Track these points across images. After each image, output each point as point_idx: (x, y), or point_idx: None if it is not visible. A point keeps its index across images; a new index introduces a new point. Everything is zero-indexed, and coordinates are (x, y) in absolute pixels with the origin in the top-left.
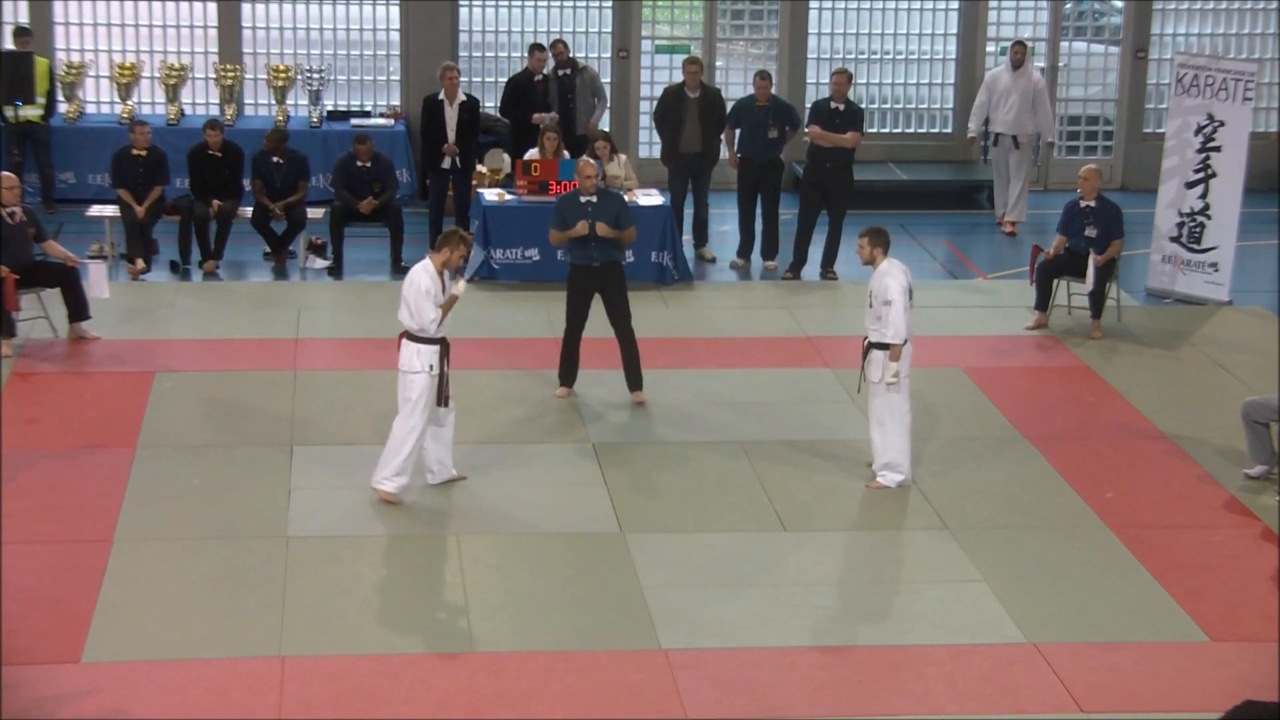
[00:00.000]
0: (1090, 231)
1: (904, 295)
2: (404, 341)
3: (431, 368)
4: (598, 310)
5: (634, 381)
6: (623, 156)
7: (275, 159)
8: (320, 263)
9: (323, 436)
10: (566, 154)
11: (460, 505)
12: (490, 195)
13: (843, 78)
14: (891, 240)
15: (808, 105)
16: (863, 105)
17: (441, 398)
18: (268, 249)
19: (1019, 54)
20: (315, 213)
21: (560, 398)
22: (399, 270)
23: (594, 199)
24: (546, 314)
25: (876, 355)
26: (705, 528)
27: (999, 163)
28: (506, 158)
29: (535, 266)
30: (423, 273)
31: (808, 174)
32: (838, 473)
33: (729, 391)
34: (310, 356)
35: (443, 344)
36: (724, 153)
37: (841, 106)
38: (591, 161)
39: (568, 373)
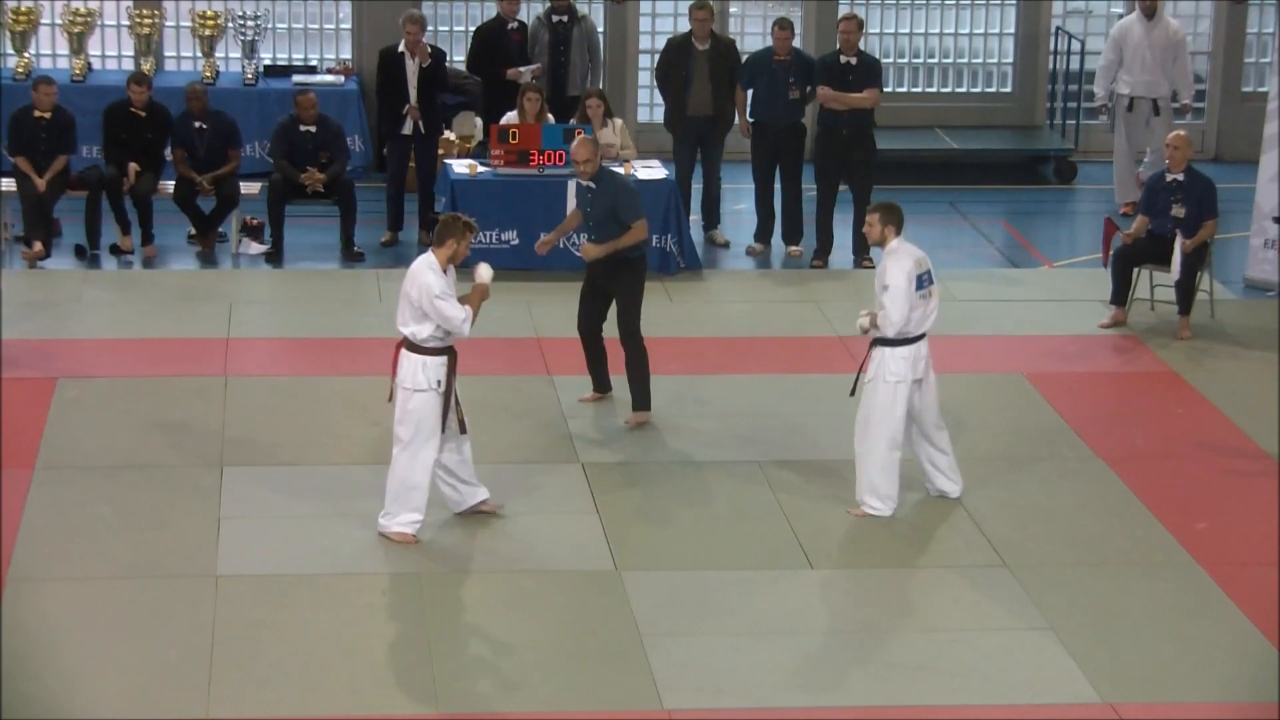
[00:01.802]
0: (1177, 211)
1: (908, 282)
2: (404, 353)
3: (439, 384)
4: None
5: (634, 399)
6: (618, 121)
7: (199, 123)
8: (256, 247)
9: (259, 456)
10: (551, 118)
11: (423, 538)
12: (460, 167)
13: (852, 24)
14: (928, 221)
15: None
16: (904, 59)
17: (457, 420)
18: (193, 231)
19: (1151, 1)
20: (250, 187)
21: (583, 401)
22: (351, 257)
23: (593, 185)
24: (528, 309)
25: (877, 354)
26: (716, 564)
27: (1132, 134)
28: (479, 122)
29: (514, 253)
30: (428, 271)
31: (822, 143)
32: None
33: (744, 401)
34: (244, 360)
35: (450, 355)
36: (737, 117)
37: (853, 60)
38: (590, 140)
39: (594, 376)
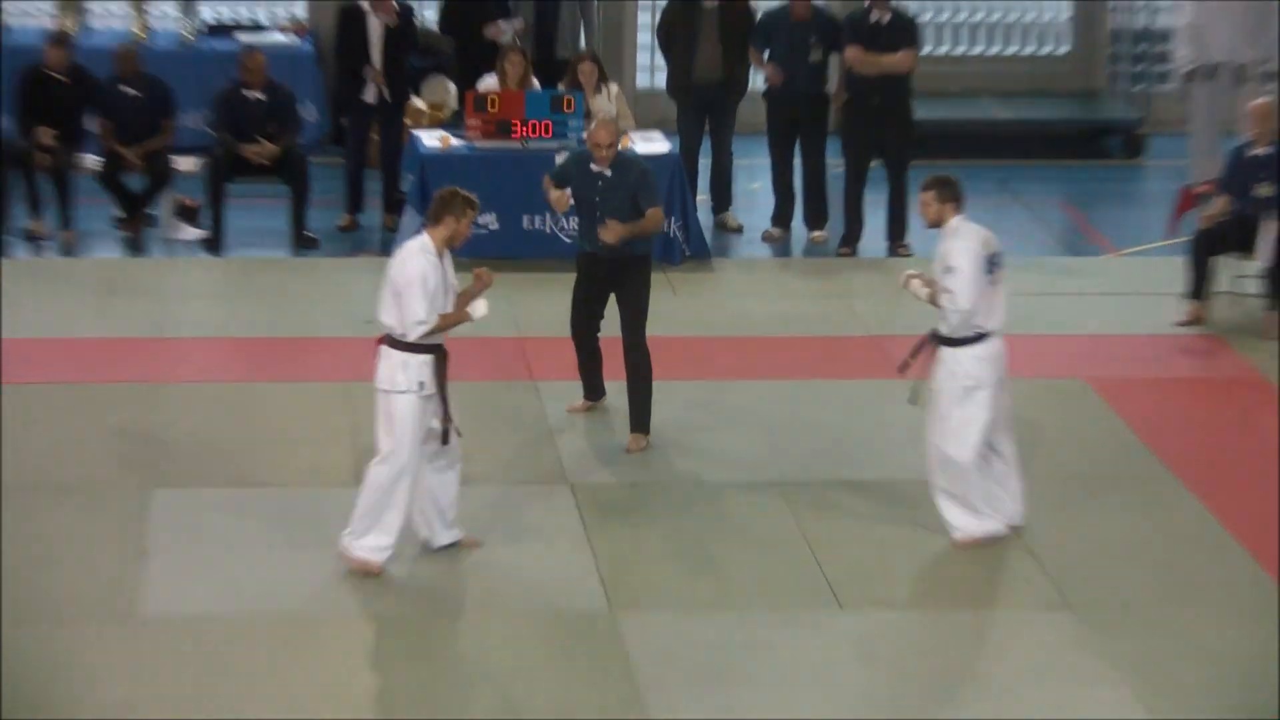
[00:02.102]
0: (1264, 189)
1: (976, 264)
2: (383, 350)
3: (422, 385)
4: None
5: (634, 420)
6: (614, 87)
7: (128, 89)
8: (193, 233)
9: (196, 475)
10: (537, 83)
11: (391, 571)
12: (430, 140)
13: None
14: (974, 203)
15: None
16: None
17: (442, 429)
18: (119, 213)
19: None
20: (186, 163)
21: (571, 411)
22: (303, 244)
23: (607, 171)
24: (508, 304)
25: (946, 355)
26: (727, 605)
27: (1214, 103)
28: (453, 88)
29: (493, 239)
30: (418, 253)
31: (850, 113)
32: (913, 527)
33: (761, 413)
34: (179, 364)
35: (438, 353)
36: (755, 81)
37: (886, 18)
38: (611, 122)
39: (587, 383)
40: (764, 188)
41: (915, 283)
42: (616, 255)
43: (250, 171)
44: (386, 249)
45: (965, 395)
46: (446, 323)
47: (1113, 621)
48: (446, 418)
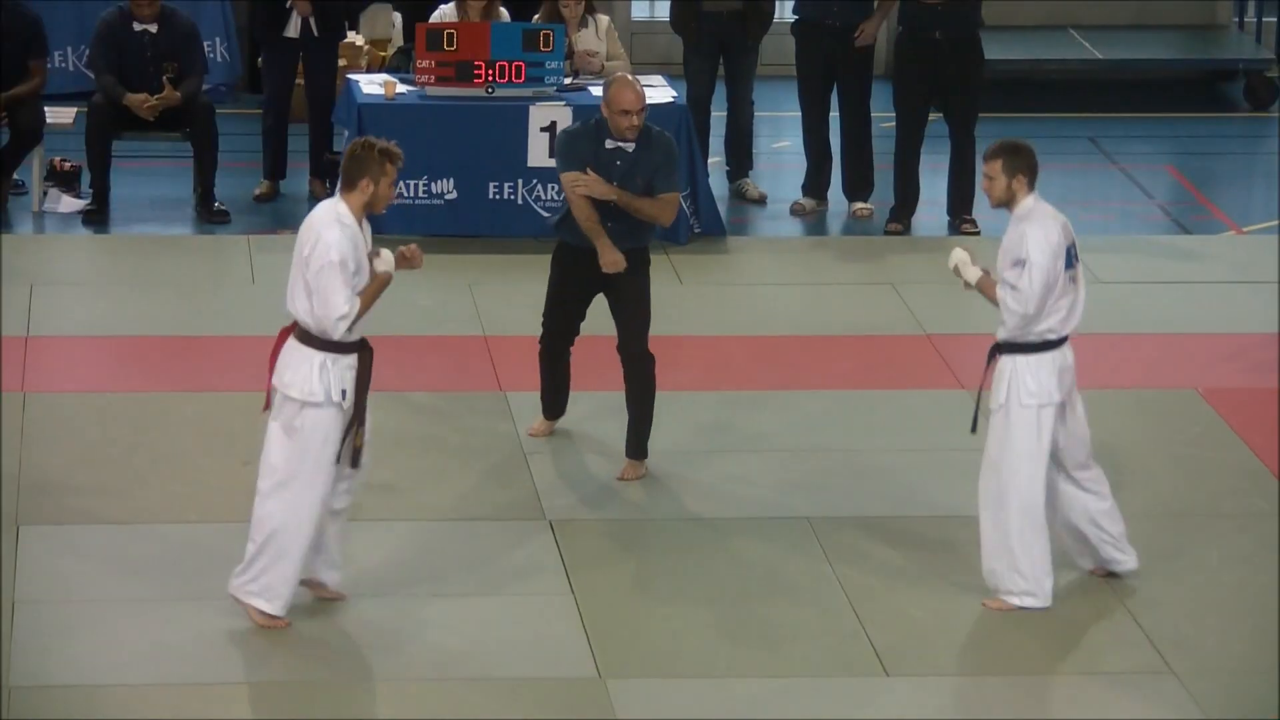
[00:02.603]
0: None
1: (1052, 258)
2: (291, 345)
3: (344, 395)
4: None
5: (632, 444)
6: (603, 19)
7: None
8: (70, 203)
9: (71, 510)
10: (505, 14)
11: (321, 630)
12: (370, 86)
13: None
14: (1059, 166)
15: None
16: None
17: (350, 451)
18: None
19: None
20: (61, 114)
21: (534, 435)
22: (210, 217)
23: (628, 147)
24: (469, 292)
25: (1006, 365)
26: (746, 670)
27: None
28: (398, 19)
29: (449, 211)
30: (332, 225)
31: (905, 52)
32: (980, 574)
33: (788, 431)
34: (50, 369)
35: (362, 352)
36: (782, 7)
37: None
38: (633, 81)
39: (549, 399)
40: (793, 147)
41: (968, 266)
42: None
43: (143, 125)
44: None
45: (1030, 417)
46: (367, 303)
47: (1228, 691)
48: (359, 434)
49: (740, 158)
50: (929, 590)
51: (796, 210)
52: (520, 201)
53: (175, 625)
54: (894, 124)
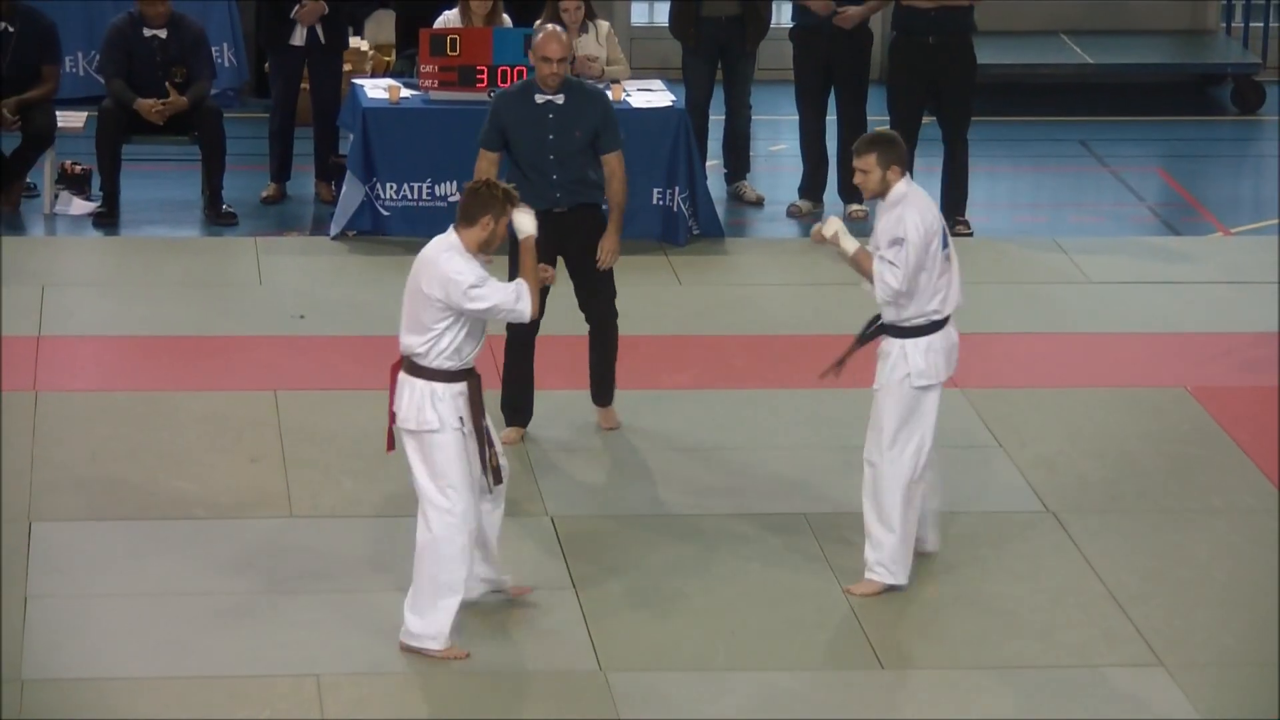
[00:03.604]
0: None
1: (927, 238)
2: (404, 380)
3: (462, 421)
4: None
5: (600, 392)
6: (604, 25)
7: (3, 24)
8: (80, 205)
9: (84, 506)
10: (508, 19)
11: (326, 625)
12: (375, 90)
13: None
14: (1050, 168)
15: None
16: None
17: (489, 469)
18: None
19: None
20: (71, 119)
21: (507, 443)
22: (218, 218)
23: (558, 99)
24: None
25: (892, 347)
26: (744, 663)
27: None
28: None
29: (453, 213)
30: (454, 255)
31: (899, 57)
32: (973, 569)
33: (785, 428)
34: (62, 368)
35: (471, 379)
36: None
37: None
38: (558, 31)
39: (516, 402)
40: (790, 150)
41: (847, 236)
42: (570, 206)
43: (152, 129)
44: (321, 225)
45: (913, 398)
46: (529, 276)
47: (1216, 683)
48: (493, 454)
49: (738, 160)
50: (923, 584)
51: (793, 212)
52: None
53: (185, 619)
54: (889, 128)
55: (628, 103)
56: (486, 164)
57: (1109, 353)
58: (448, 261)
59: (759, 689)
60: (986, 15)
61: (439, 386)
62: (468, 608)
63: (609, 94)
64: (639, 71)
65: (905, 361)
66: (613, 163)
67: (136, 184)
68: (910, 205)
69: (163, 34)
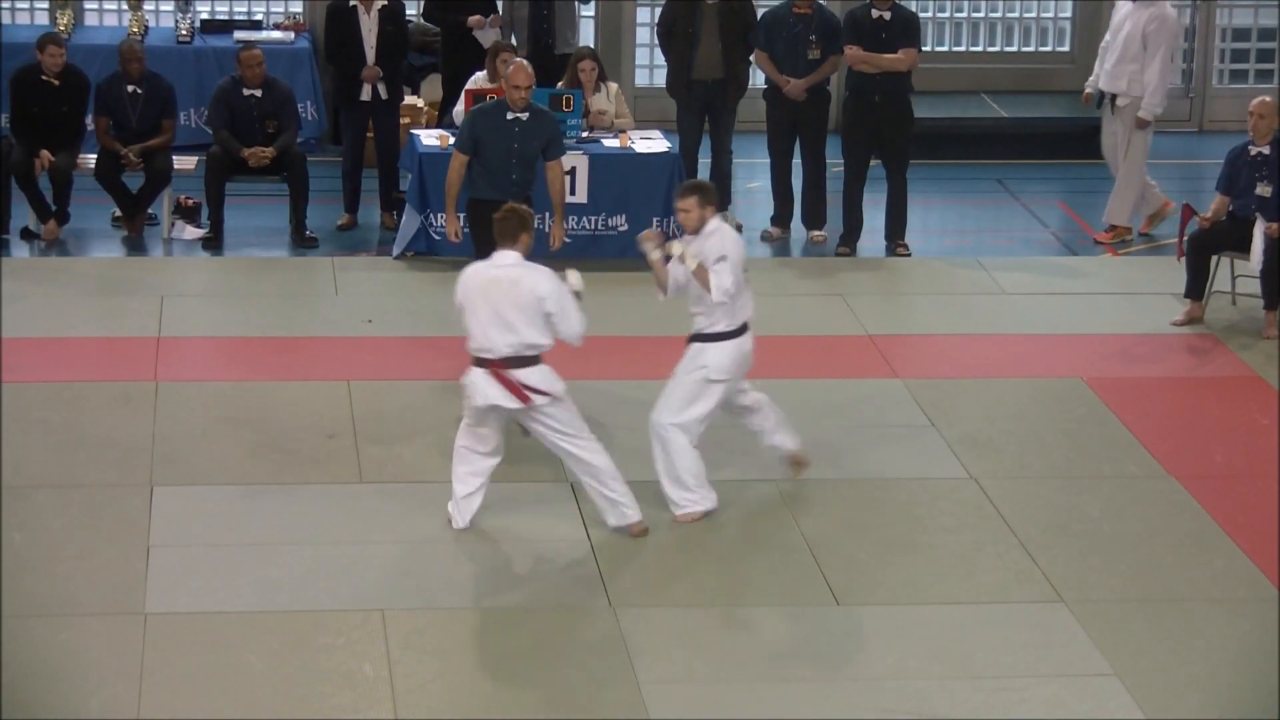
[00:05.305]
0: (1263, 189)
1: (740, 256)
2: (534, 370)
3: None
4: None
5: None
6: (613, 86)
7: (130, 87)
8: (192, 231)
9: (195, 474)
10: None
11: (383, 566)
12: (429, 139)
13: None
14: (973, 201)
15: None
16: (945, 15)
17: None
18: (118, 212)
19: None
20: (185, 162)
21: None
22: (303, 242)
23: (523, 116)
24: None
25: (696, 349)
26: (726, 600)
27: (1107, 136)
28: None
29: None
30: (532, 269)
31: (850, 112)
32: (911, 525)
33: None
34: (178, 362)
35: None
36: (754, 78)
37: (887, 15)
38: (526, 65)
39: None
40: (763, 187)
41: (691, 256)
42: (515, 198)
43: (248, 171)
44: (385, 248)
45: (703, 387)
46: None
47: (1106, 616)
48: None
49: (721, 195)
50: (876, 536)
51: (766, 237)
52: (546, 230)
53: (276, 564)
54: (843, 168)
55: (632, 149)
56: (459, 164)
57: (1020, 350)
58: (533, 273)
59: (739, 621)
60: (922, 78)
61: (544, 368)
62: (483, 553)
63: (617, 141)
64: (641, 123)
65: (705, 357)
66: (556, 168)
67: (237, 215)
68: (725, 234)
69: (259, 93)
